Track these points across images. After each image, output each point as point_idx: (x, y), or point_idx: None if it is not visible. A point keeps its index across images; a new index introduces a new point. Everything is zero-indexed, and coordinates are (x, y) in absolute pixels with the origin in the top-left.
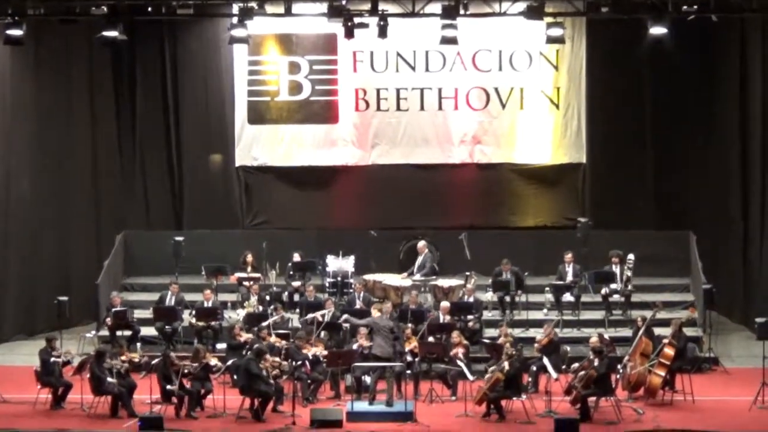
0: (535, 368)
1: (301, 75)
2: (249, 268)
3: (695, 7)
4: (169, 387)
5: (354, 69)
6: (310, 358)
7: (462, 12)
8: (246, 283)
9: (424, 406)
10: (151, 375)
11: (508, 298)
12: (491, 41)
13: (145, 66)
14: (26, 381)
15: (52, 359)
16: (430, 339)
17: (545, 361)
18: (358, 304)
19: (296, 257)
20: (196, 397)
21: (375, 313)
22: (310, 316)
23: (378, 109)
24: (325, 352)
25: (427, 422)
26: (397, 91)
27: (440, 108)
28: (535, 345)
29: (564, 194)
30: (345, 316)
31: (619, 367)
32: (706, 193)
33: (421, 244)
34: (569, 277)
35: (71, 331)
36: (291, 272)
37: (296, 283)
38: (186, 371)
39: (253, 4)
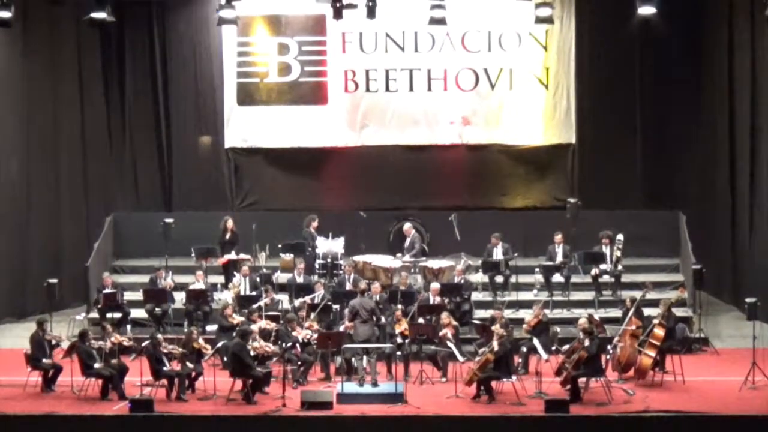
0: (525, 349)
1: (290, 56)
2: (229, 234)
3: None
4: (164, 369)
5: (343, 50)
6: (300, 340)
7: None
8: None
9: (414, 388)
10: (141, 357)
11: (498, 279)
12: (480, 22)
13: (133, 47)
14: (16, 364)
15: (44, 342)
16: (420, 320)
17: (535, 341)
18: (348, 286)
19: (315, 222)
20: (187, 380)
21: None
22: (299, 301)
23: (367, 90)
24: (316, 334)
25: (418, 404)
26: (387, 72)
27: (429, 89)
28: (524, 326)
29: (553, 175)
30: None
31: (609, 347)
32: (695, 172)
33: (407, 226)
34: (559, 258)
35: (61, 313)
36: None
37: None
38: (174, 354)
39: None
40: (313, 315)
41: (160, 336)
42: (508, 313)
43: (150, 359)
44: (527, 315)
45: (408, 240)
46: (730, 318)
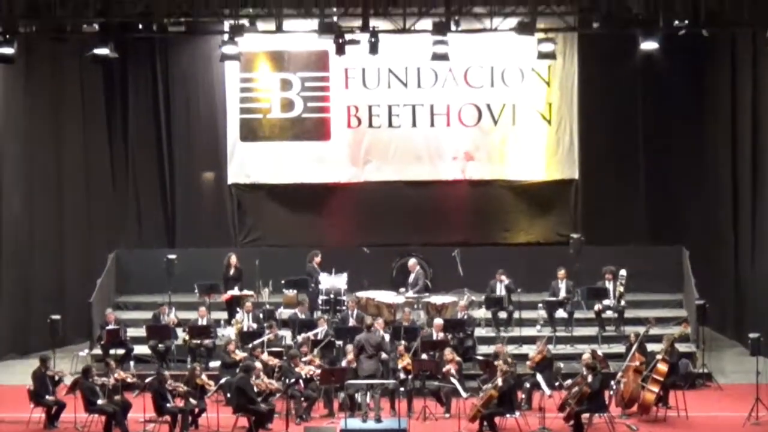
0: (528, 385)
1: (293, 92)
2: (233, 270)
3: (686, 21)
4: (168, 405)
5: (346, 86)
6: (303, 376)
7: (453, 28)
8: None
9: (417, 424)
10: (144, 394)
11: (501, 314)
12: (483, 57)
13: (136, 83)
14: (19, 400)
15: (47, 378)
16: (423, 356)
17: (539, 377)
18: (351, 322)
19: (318, 257)
20: (190, 416)
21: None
22: (302, 336)
23: (370, 125)
24: (319, 370)
25: None
26: (389, 107)
27: (432, 124)
28: (528, 362)
29: (556, 210)
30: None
31: (612, 383)
32: (698, 208)
33: (412, 261)
34: (562, 294)
35: (64, 349)
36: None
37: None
38: (179, 391)
39: (244, 21)
40: (315, 351)
41: (166, 373)
42: (511, 349)
43: (154, 395)
44: (531, 351)
45: (412, 275)
46: (733, 353)
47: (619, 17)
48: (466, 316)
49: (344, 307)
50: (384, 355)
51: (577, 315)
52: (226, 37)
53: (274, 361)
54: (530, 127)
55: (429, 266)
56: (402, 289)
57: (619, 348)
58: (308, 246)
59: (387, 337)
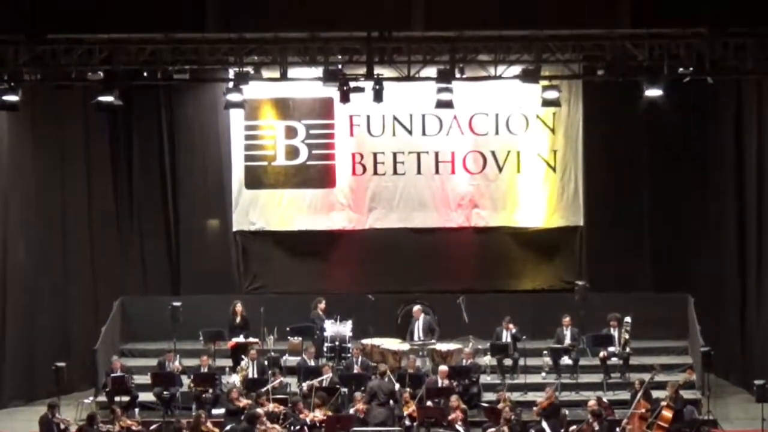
0: None
1: (297, 139)
2: (239, 318)
3: (690, 69)
4: None
5: (350, 133)
6: (308, 423)
7: (457, 76)
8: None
9: None
10: None
11: (507, 361)
12: (487, 105)
13: (141, 130)
14: None
15: (53, 425)
16: (429, 403)
17: (544, 424)
18: (356, 369)
19: (322, 304)
20: None
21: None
22: (307, 383)
23: (375, 173)
24: (324, 417)
25: None
26: (394, 154)
27: (437, 172)
28: (535, 408)
29: (561, 257)
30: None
31: (617, 430)
32: (703, 254)
33: (416, 308)
34: (567, 341)
35: (69, 397)
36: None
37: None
38: None
39: (249, 69)
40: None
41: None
42: (517, 396)
43: None
44: (537, 397)
45: (420, 322)
46: (738, 400)
47: (623, 65)
48: (471, 363)
49: (349, 354)
50: (392, 403)
51: (583, 362)
52: (230, 84)
53: (279, 409)
54: (535, 174)
55: (434, 313)
56: (416, 338)
57: (624, 395)
58: (313, 293)
59: (398, 386)
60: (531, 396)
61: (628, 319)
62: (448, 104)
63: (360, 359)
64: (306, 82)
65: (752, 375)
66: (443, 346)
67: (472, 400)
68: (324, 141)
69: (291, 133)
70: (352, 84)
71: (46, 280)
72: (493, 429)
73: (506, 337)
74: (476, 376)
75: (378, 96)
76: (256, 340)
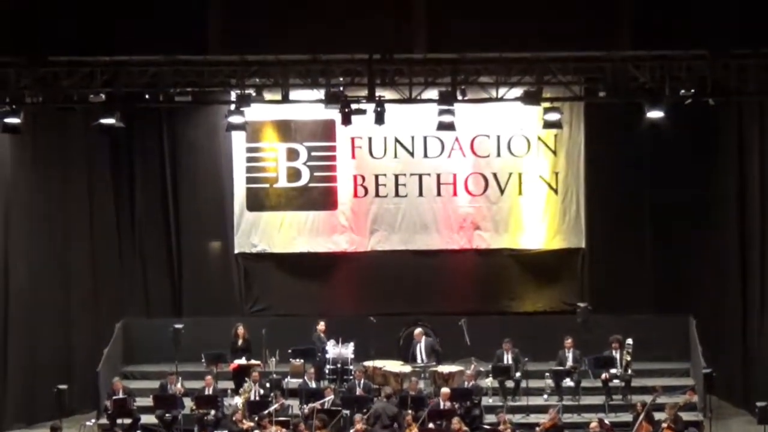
0: None
1: (299, 161)
2: (241, 341)
3: (692, 91)
4: None
5: (352, 155)
6: None
7: (459, 98)
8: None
9: None
10: None
11: (508, 383)
12: (489, 127)
13: (143, 152)
14: None
15: None
16: (431, 426)
17: None
18: (358, 391)
19: (321, 325)
20: None
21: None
22: (309, 406)
23: (376, 195)
24: None
25: None
26: (396, 176)
27: (439, 194)
28: (537, 429)
29: (563, 279)
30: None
31: None
32: (705, 276)
33: (418, 330)
34: (569, 363)
35: (71, 419)
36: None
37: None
38: None
39: (251, 91)
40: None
41: None
42: (518, 418)
43: None
44: (539, 419)
45: (422, 344)
46: (740, 422)
47: (625, 86)
48: (473, 386)
49: (351, 377)
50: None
51: (584, 384)
52: (232, 106)
53: (282, 431)
54: (537, 196)
55: (435, 336)
56: (419, 360)
57: (626, 417)
58: (315, 315)
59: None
60: (533, 418)
61: (629, 340)
62: (449, 126)
63: (362, 381)
64: (308, 105)
65: (754, 396)
66: (445, 368)
67: (474, 422)
68: (326, 163)
69: (293, 155)
70: (354, 106)
71: (48, 302)
72: None
73: (507, 359)
74: (478, 398)
75: (380, 118)
76: (258, 362)
